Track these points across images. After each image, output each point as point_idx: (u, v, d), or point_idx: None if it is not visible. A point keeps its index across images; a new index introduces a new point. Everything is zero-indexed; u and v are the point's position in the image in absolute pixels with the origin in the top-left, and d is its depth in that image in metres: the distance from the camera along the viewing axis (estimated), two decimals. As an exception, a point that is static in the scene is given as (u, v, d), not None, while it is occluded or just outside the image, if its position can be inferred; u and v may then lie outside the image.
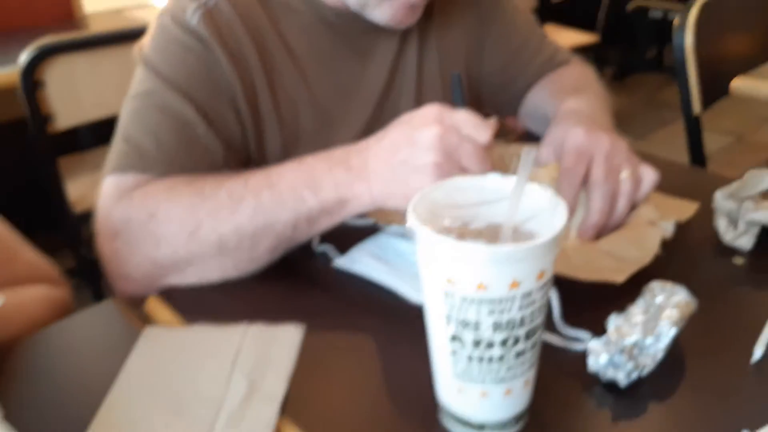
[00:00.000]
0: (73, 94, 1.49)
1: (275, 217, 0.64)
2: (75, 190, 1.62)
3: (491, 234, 0.46)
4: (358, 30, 0.80)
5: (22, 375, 0.58)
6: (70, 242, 1.64)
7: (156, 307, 0.65)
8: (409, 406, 0.52)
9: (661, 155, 0.70)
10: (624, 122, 3.22)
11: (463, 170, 0.57)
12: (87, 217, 1.59)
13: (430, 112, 0.60)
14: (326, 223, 0.65)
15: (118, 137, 0.72)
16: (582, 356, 0.54)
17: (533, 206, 0.45)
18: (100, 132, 1.59)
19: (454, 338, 0.44)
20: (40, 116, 1.46)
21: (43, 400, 0.54)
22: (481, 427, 0.48)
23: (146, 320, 0.64)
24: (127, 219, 0.67)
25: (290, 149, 0.78)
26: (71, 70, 1.46)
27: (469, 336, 0.43)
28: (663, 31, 3.52)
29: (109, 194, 0.69)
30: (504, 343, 0.43)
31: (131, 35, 1.48)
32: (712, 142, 1.49)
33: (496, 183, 0.48)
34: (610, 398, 0.52)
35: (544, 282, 0.43)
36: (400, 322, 0.61)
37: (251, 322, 0.61)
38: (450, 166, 0.57)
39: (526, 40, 0.94)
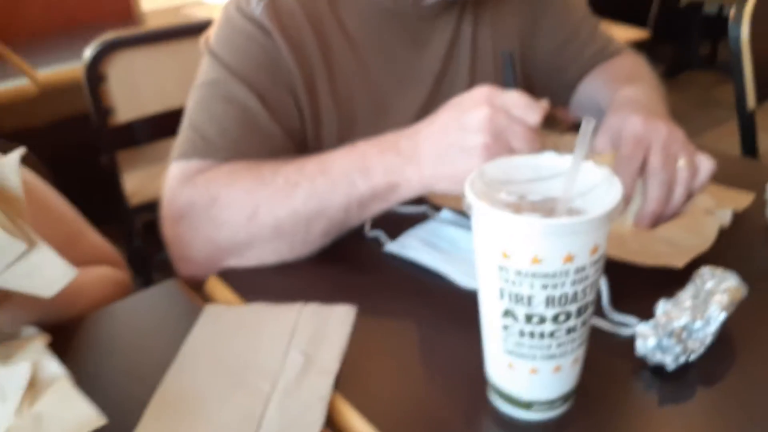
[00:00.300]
0: (132, 88, 1.55)
1: (328, 201, 0.66)
2: (131, 183, 1.68)
3: (546, 209, 0.47)
4: (415, 17, 0.82)
5: (89, 349, 0.61)
6: (124, 234, 1.70)
7: (216, 287, 0.69)
8: (457, 385, 0.54)
9: (713, 153, 0.70)
10: (675, 121, 3.15)
11: (512, 151, 0.58)
12: (141, 210, 1.66)
13: (480, 93, 0.61)
14: (377, 208, 0.67)
15: (184, 125, 0.76)
16: (630, 341, 0.55)
17: (588, 183, 0.46)
18: (157, 126, 1.65)
19: (506, 313, 0.45)
20: (102, 110, 1.53)
21: (109, 373, 0.57)
22: (529, 405, 0.49)
23: (207, 299, 0.68)
24: (191, 203, 0.70)
25: (346, 135, 0.81)
26: (132, 65, 1.52)
27: (521, 311, 0.45)
28: (717, 28, 3.43)
29: (174, 179, 0.73)
30: (556, 318, 0.45)
31: (189, 31, 1.54)
32: (765, 140, 1.46)
33: (551, 160, 0.49)
34: (658, 382, 0.53)
35: (598, 257, 0.44)
36: (449, 306, 0.63)
37: (306, 302, 0.64)
38: (499, 146, 0.58)
39: (579, 27, 0.94)
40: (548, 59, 0.93)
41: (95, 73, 1.48)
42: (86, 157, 1.69)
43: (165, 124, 1.65)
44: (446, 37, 0.85)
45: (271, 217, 0.67)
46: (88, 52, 1.46)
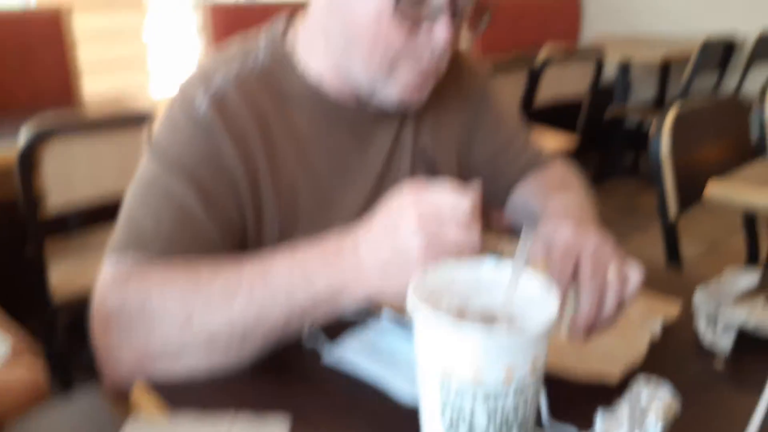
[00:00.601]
0: (66, 176, 1.51)
1: (267, 311, 0.65)
2: (57, 276, 1.60)
3: (487, 319, 0.48)
4: (358, 117, 0.84)
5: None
6: (45, 330, 1.60)
7: (141, 394, 0.65)
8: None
9: (639, 259, 0.73)
10: (602, 226, 3.29)
11: (453, 244, 0.58)
12: (65, 305, 1.58)
13: (406, 195, 0.62)
14: (319, 316, 0.66)
15: (121, 219, 0.74)
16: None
17: (528, 293, 0.47)
18: (89, 215, 1.61)
19: (449, 425, 0.45)
20: (32, 198, 1.48)
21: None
22: None
23: (131, 408, 0.63)
24: (122, 304, 0.67)
25: (288, 231, 0.80)
26: (67, 153, 1.49)
27: (464, 426, 0.44)
28: (638, 140, 3.68)
29: (107, 277, 0.70)
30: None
31: (127, 121, 1.52)
32: (688, 248, 1.54)
33: (491, 268, 0.50)
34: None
35: (539, 369, 0.44)
36: (389, 422, 0.61)
37: (237, 412, 0.60)
38: (437, 244, 0.58)
39: (513, 136, 0.99)
40: (484, 167, 0.97)
41: (28, 159, 1.44)
42: (10, 245, 1.62)
43: (98, 214, 1.61)
44: (389, 135, 0.87)
45: (205, 326, 0.65)
46: (23, 139, 1.43)
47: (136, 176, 0.76)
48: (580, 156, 3.09)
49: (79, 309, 1.60)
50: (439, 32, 0.74)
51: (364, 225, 0.65)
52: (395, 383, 0.64)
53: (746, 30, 3.67)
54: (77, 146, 1.50)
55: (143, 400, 0.64)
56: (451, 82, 0.92)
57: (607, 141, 3.90)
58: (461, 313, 0.49)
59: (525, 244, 0.47)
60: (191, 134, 0.75)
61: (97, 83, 2.57)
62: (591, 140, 3.16)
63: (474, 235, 0.59)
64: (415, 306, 0.44)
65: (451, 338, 0.42)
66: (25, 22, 2.39)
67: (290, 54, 0.83)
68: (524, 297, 0.47)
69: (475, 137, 0.96)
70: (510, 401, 0.43)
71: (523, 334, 0.42)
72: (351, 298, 0.64)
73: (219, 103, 0.77)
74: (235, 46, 0.84)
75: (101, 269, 0.71)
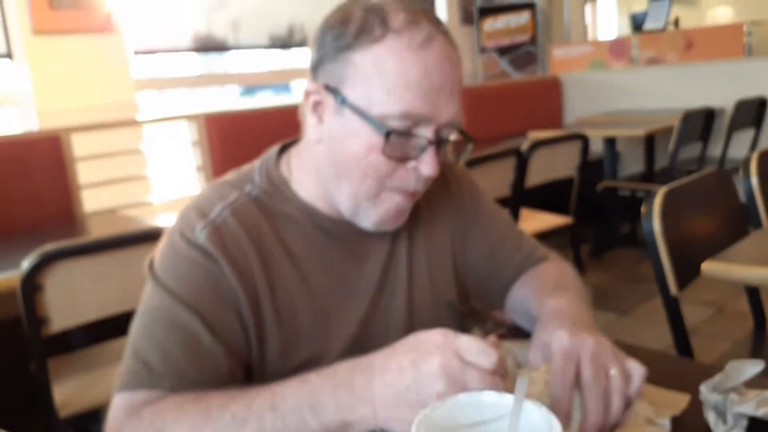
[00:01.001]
0: (70, 297, 1.52)
1: None
2: (61, 393, 1.60)
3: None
4: (352, 234, 0.86)
5: None
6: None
7: None
8: None
9: (645, 330, 0.74)
10: (604, 299, 3.28)
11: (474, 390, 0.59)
12: (71, 421, 1.56)
13: (435, 338, 0.63)
14: None
15: (127, 353, 0.76)
16: None
17: (531, 423, 0.48)
18: (93, 333, 1.61)
19: None
20: (35, 320, 1.49)
21: None
22: None
23: None
24: None
25: (289, 348, 0.82)
26: (70, 275, 1.51)
27: None
28: (633, 208, 3.72)
29: (119, 410, 0.71)
30: None
31: (129, 240, 1.56)
32: (693, 314, 1.53)
33: (494, 399, 0.51)
34: None
35: None
36: None
37: None
38: (457, 390, 0.59)
39: (505, 237, 1.01)
40: (478, 269, 0.99)
41: (31, 283, 1.46)
42: (15, 361, 1.61)
43: (101, 331, 1.61)
44: (383, 250, 0.90)
45: None
46: (26, 264, 1.45)
47: (141, 306, 0.78)
48: (577, 231, 3.12)
49: (83, 425, 1.59)
50: (426, 164, 0.78)
51: (380, 358, 0.66)
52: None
53: (723, 103, 3.80)
54: (79, 267, 1.52)
55: None
56: (439, 192, 0.95)
57: (602, 213, 3.94)
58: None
59: (522, 383, 0.48)
60: (192, 262, 0.78)
61: (98, 198, 2.62)
62: (586, 215, 3.20)
63: (497, 386, 0.59)
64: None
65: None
66: (27, 145, 2.47)
67: (284, 179, 0.87)
68: (528, 427, 0.48)
69: (468, 240, 0.98)
70: None
71: None
72: (360, 426, 0.64)
73: (217, 230, 0.79)
74: (231, 175, 0.88)
75: (112, 401, 0.73)
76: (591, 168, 3.39)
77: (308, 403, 0.65)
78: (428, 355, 0.61)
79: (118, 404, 0.72)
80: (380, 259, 0.89)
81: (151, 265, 0.81)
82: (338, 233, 0.87)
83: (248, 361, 0.80)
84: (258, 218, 0.83)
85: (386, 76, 0.75)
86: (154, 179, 2.93)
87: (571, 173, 3.06)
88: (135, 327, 0.77)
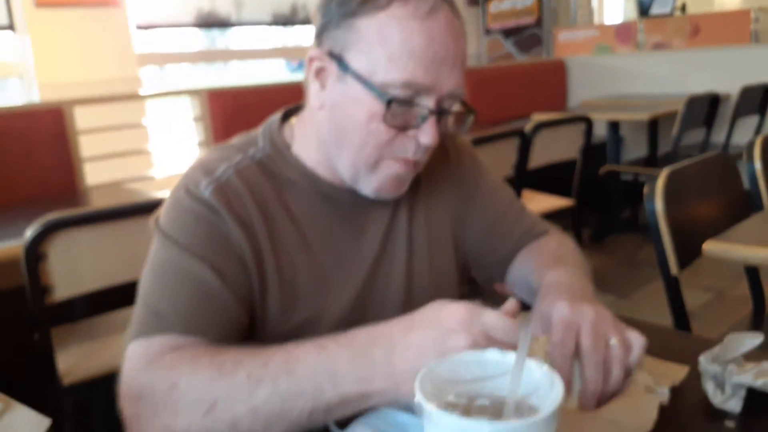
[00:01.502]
0: (73, 266, 1.53)
1: (292, 404, 0.65)
2: (64, 362, 1.61)
3: (495, 409, 0.49)
4: (353, 201, 0.87)
5: None
6: (53, 414, 1.60)
7: None
8: None
9: (645, 314, 0.74)
10: (605, 283, 3.29)
11: None
12: (73, 390, 1.58)
13: (459, 313, 0.62)
14: (345, 413, 0.66)
15: (138, 307, 0.77)
16: None
17: (533, 381, 0.48)
18: (96, 302, 1.62)
19: None
20: (39, 288, 1.49)
21: None
22: None
23: None
24: (152, 385, 0.69)
25: (288, 308, 0.83)
26: (73, 244, 1.52)
27: None
28: (635, 193, 3.73)
29: (135, 358, 0.72)
30: None
31: (132, 211, 1.56)
32: (693, 298, 1.54)
33: (496, 357, 0.52)
34: None
35: None
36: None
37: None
38: None
39: (506, 211, 1.01)
40: (479, 242, 0.99)
41: (35, 252, 1.47)
42: (18, 330, 1.62)
43: (104, 301, 1.62)
44: (384, 219, 0.90)
45: (229, 413, 0.65)
46: (29, 232, 1.46)
47: (148, 262, 0.79)
48: (578, 215, 3.13)
49: (86, 393, 1.60)
50: (426, 133, 0.78)
51: (399, 332, 0.65)
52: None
53: (728, 90, 3.78)
54: (83, 237, 1.53)
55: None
56: (440, 163, 0.95)
57: (603, 198, 3.94)
58: (471, 401, 0.49)
59: (526, 335, 0.49)
60: (197, 215, 0.79)
61: (100, 172, 2.62)
62: (588, 199, 3.20)
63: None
64: (422, 402, 0.45)
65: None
66: (29, 117, 2.47)
67: (287, 145, 0.87)
68: (530, 384, 0.48)
69: (468, 212, 0.98)
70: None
71: (528, 423, 0.42)
72: (380, 398, 0.64)
73: (222, 188, 0.80)
74: (236, 139, 0.88)
75: (126, 352, 0.73)
76: (594, 151, 3.38)
77: (325, 371, 0.65)
78: (453, 334, 0.60)
79: (134, 353, 0.73)
80: (381, 227, 0.90)
81: (156, 222, 0.82)
82: (339, 200, 0.87)
83: (252, 313, 0.81)
84: (261, 181, 0.84)
85: (390, 44, 0.75)
86: (156, 154, 2.93)
87: (574, 156, 3.05)
88: (144, 282, 0.78)
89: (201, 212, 0.79)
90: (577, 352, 0.66)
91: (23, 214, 1.62)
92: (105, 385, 1.45)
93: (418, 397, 0.46)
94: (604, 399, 0.66)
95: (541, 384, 0.48)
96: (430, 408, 0.45)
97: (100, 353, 1.68)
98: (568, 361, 0.65)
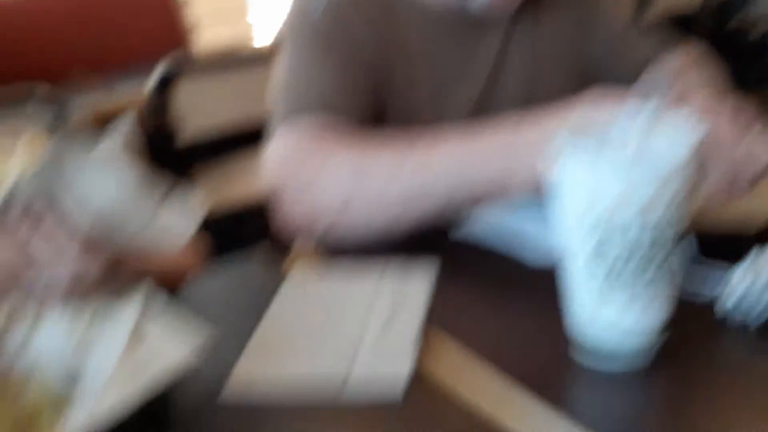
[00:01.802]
0: (195, 112, 1.61)
1: (435, 181, 0.67)
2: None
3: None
4: (465, 22, 0.85)
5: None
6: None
7: (302, 251, 0.72)
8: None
9: None
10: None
11: None
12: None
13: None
14: (482, 201, 0.68)
15: (281, 94, 0.79)
16: (710, 305, 0.54)
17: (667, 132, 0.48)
18: (218, 146, 1.70)
19: (599, 244, 0.46)
20: (164, 134, 1.59)
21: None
22: (613, 355, 0.49)
23: (294, 258, 0.71)
24: (302, 161, 0.73)
25: (405, 121, 0.83)
26: (196, 91, 1.59)
27: (616, 242, 0.45)
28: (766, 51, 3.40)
29: (284, 138, 0.76)
30: (652, 244, 0.45)
31: (251, 60, 1.60)
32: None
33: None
34: (743, 340, 0.52)
35: (689, 178, 0.45)
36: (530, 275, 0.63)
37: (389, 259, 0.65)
38: None
39: (629, 28, 0.96)
40: (608, 47, 0.95)
41: (162, 97, 1.55)
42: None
43: (225, 145, 1.70)
44: (497, 42, 0.88)
45: (374, 183, 0.69)
46: (153, 78, 1.53)
47: (282, 66, 0.81)
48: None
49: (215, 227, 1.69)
50: None
51: (545, 112, 0.64)
52: (526, 246, 0.66)
53: None
54: (205, 85, 1.59)
55: (303, 255, 0.71)
56: None
57: (729, 55, 3.62)
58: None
59: (661, 91, 0.47)
60: (324, 16, 0.79)
61: (201, 36, 2.66)
62: (711, 55, 2.95)
63: None
64: (563, 134, 0.46)
65: (595, 170, 0.44)
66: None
67: None
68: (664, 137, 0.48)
69: (592, 27, 0.94)
70: (663, 211, 0.44)
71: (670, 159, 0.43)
72: (522, 185, 0.64)
73: (335, 7, 0.80)
74: None
75: (274, 136, 0.77)
76: (720, 6, 3.08)
77: (474, 151, 0.66)
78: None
79: (284, 133, 0.75)
80: (494, 47, 0.87)
81: (283, 30, 0.83)
82: (449, 22, 0.85)
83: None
84: (370, 4, 0.83)
85: None
86: (256, 20, 2.93)
87: (697, 9, 2.80)
88: (283, 74, 0.80)
89: (326, 16, 0.80)
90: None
91: (139, 72, 1.68)
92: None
93: (560, 134, 0.46)
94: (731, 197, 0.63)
95: (676, 133, 0.47)
96: (569, 143, 0.45)
97: (226, 191, 1.77)
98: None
